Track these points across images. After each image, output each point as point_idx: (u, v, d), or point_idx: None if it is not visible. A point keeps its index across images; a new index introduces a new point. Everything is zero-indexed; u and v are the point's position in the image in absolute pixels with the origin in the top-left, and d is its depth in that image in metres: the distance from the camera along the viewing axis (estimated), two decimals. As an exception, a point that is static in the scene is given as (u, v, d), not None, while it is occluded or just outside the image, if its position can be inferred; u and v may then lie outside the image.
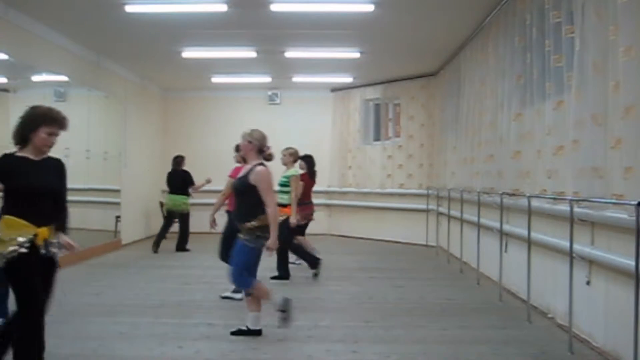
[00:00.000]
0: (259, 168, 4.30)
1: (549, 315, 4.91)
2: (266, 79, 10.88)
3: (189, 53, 8.60)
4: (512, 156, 5.65)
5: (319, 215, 11.74)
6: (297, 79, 10.72)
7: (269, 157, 4.55)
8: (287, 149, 6.92)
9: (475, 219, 6.55)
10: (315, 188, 11.56)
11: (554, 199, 4.55)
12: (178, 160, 9.17)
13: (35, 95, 7.45)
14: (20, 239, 3.00)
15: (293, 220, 6.56)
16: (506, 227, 5.72)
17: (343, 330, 4.57)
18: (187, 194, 8.94)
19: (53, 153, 3.31)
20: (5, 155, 3.16)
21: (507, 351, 4.07)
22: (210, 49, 8.47)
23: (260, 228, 4.22)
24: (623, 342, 3.60)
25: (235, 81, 11.03)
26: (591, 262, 4.14)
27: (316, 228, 11.63)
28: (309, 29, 7.29)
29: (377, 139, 11.43)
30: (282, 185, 6.65)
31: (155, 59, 9.12)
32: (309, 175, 7.63)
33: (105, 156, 9.10)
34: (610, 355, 3.85)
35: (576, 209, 4.10)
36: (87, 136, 8.22)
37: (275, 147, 10.52)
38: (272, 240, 4.22)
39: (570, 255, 4.09)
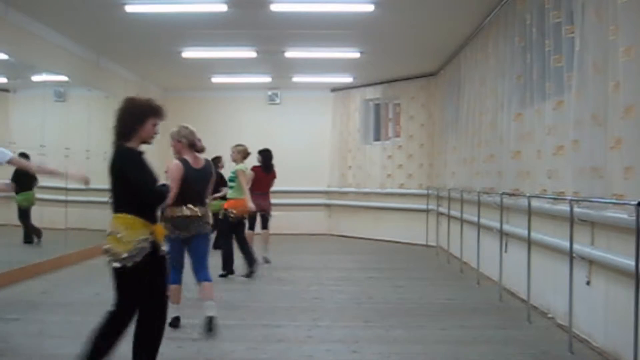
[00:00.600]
0: (173, 162, 4.40)
1: (549, 315, 4.91)
2: (266, 79, 10.88)
3: (189, 53, 8.60)
4: (512, 156, 5.65)
5: (319, 216, 11.87)
6: (297, 79, 10.72)
7: (201, 150, 4.62)
8: (236, 145, 7.03)
9: (475, 219, 6.55)
10: (315, 188, 11.75)
11: (554, 199, 4.55)
12: (215, 162, 9.19)
13: (35, 95, 7.46)
14: (140, 239, 2.99)
15: (251, 205, 6.73)
16: (506, 227, 5.72)
17: (343, 330, 4.57)
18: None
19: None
20: (133, 150, 3.14)
21: (507, 351, 4.07)
22: (210, 49, 8.48)
23: (166, 219, 4.27)
24: (623, 342, 3.60)
25: (235, 81, 11.03)
26: (591, 262, 4.14)
27: (316, 228, 11.72)
28: (309, 29, 7.29)
29: (377, 139, 11.43)
30: (230, 180, 6.88)
31: (155, 59, 9.12)
32: (264, 169, 7.85)
33: (105, 156, 8.97)
34: (610, 355, 3.85)
35: (576, 209, 4.10)
36: (87, 136, 8.21)
37: (276, 146, 10.63)
38: None
39: (570, 255, 4.09)
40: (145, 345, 3.11)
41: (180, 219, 4.32)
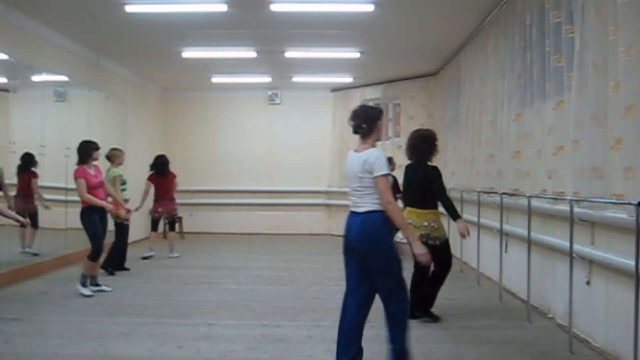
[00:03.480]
0: None
1: (549, 315, 4.91)
2: (266, 79, 10.88)
3: (189, 53, 8.60)
4: (512, 156, 5.65)
5: (319, 216, 11.87)
6: (297, 79, 10.71)
7: None
8: (112, 149, 7.30)
9: (475, 219, 6.55)
10: (315, 188, 11.76)
11: (554, 199, 4.55)
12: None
13: (35, 95, 7.46)
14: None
15: (123, 212, 6.92)
16: (506, 227, 5.71)
17: (343, 330, 4.55)
18: None
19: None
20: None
21: (507, 351, 4.07)
22: (210, 49, 8.47)
23: None
24: (623, 342, 3.60)
25: (235, 81, 11.02)
26: (591, 262, 4.14)
27: (316, 228, 11.72)
28: (309, 29, 7.29)
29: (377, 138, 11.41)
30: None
31: (155, 59, 9.12)
32: (157, 175, 8.50)
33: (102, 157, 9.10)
34: (610, 355, 3.85)
35: (576, 209, 4.10)
36: (87, 136, 8.19)
37: (276, 146, 10.46)
38: None
39: (570, 255, 4.09)
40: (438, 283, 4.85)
41: None
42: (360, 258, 3.36)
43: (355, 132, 3.49)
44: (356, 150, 3.46)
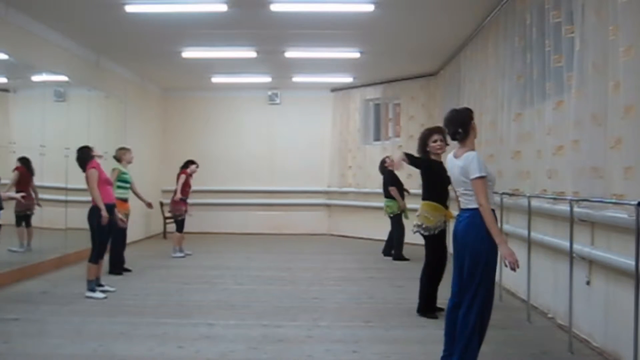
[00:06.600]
0: None
1: (549, 315, 4.91)
2: (266, 79, 10.88)
3: (189, 53, 8.60)
4: (512, 156, 5.65)
5: (319, 216, 11.88)
6: (297, 79, 10.72)
7: None
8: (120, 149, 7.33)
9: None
10: (315, 188, 11.77)
11: (554, 199, 4.55)
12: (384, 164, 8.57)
13: (35, 95, 7.46)
14: (441, 219, 4.83)
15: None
16: (506, 227, 5.71)
17: (343, 330, 4.57)
18: (390, 196, 8.45)
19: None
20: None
21: (507, 351, 4.07)
22: (210, 49, 8.47)
23: None
24: (623, 342, 3.60)
25: (235, 81, 11.03)
26: (591, 262, 4.14)
27: (316, 228, 11.72)
28: (309, 29, 7.29)
29: (377, 138, 11.43)
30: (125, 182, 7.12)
31: (155, 59, 9.12)
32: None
33: (105, 156, 9.08)
34: (610, 355, 3.85)
35: (576, 209, 4.10)
36: (87, 136, 8.21)
37: (276, 146, 10.37)
38: None
39: (570, 255, 4.10)
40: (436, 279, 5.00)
41: None
42: (461, 252, 3.49)
43: (454, 138, 3.55)
44: (455, 155, 3.51)
